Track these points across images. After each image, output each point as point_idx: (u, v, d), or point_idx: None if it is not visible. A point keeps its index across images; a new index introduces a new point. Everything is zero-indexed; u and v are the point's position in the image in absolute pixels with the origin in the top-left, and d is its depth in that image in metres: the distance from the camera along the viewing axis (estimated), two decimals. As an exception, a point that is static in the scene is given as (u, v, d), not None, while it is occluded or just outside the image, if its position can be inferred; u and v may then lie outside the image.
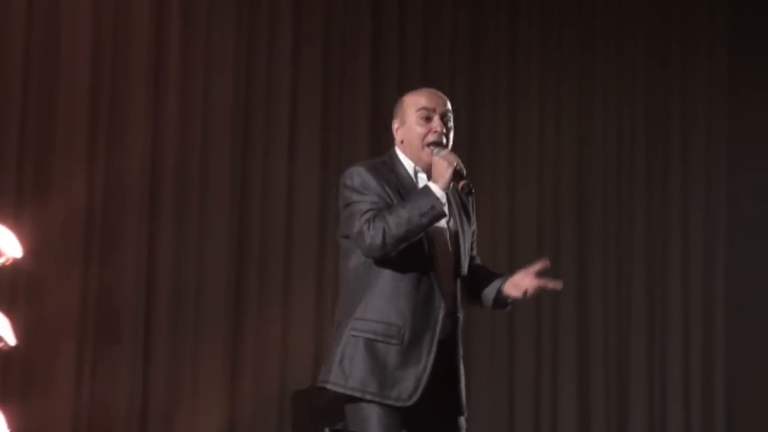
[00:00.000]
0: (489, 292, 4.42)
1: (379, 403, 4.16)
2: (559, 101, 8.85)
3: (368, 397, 4.15)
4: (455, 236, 4.34)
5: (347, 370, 4.17)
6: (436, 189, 4.16)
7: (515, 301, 4.40)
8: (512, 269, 4.42)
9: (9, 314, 6.18)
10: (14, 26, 7.07)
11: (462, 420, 4.34)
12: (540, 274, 4.31)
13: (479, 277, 4.45)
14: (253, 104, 7.81)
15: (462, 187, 4.21)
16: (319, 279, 7.86)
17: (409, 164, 4.35)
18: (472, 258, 4.48)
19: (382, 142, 8.09)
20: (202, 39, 7.64)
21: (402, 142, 4.37)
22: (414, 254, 4.19)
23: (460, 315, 4.34)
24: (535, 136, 8.76)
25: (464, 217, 4.41)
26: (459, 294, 4.34)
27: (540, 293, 4.35)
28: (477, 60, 8.56)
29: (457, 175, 4.18)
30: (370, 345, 4.17)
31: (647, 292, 8.94)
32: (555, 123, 8.83)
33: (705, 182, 9.16)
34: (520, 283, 4.33)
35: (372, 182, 4.24)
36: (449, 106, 4.37)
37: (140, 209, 7.33)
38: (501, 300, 4.41)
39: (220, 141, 7.64)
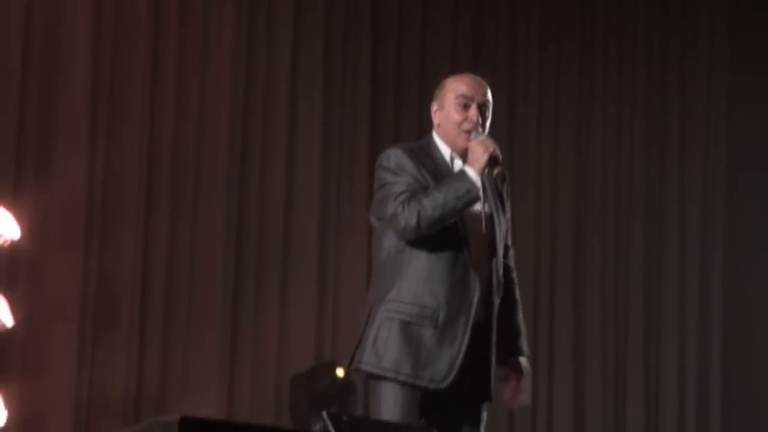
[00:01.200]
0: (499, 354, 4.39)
1: (411, 385, 4.15)
2: (557, 109, 8.84)
3: (401, 378, 4.14)
4: (490, 219, 4.32)
5: (381, 351, 4.16)
6: (472, 173, 4.16)
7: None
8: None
9: (7, 296, 6.18)
10: (14, 11, 7.06)
11: (485, 407, 4.32)
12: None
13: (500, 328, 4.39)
14: (252, 94, 7.81)
15: (496, 174, 4.22)
16: (319, 261, 7.86)
17: (445, 150, 4.34)
18: (506, 250, 4.45)
19: (381, 136, 8.14)
20: (200, 29, 7.65)
21: (439, 125, 4.37)
22: (448, 237, 4.19)
23: (496, 299, 4.31)
24: (533, 146, 8.76)
25: (499, 203, 4.41)
26: (495, 278, 4.31)
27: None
28: (476, 64, 8.55)
29: (492, 161, 4.18)
30: (404, 327, 4.17)
31: (645, 307, 8.92)
32: (553, 133, 8.82)
33: (702, 191, 9.14)
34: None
35: (408, 164, 4.24)
36: (489, 95, 4.36)
37: (138, 193, 7.33)
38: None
39: (218, 129, 7.65)
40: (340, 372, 7.38)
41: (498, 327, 4.34)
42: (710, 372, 8.99)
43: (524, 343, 4.45)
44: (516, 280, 4.52)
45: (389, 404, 4.16)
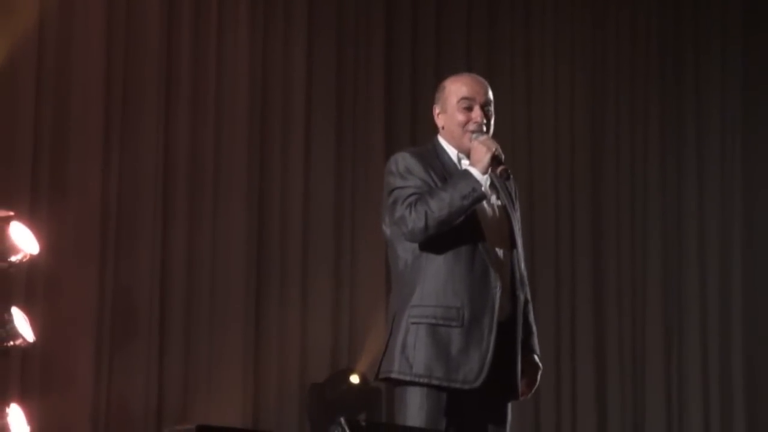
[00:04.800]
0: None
1: (439, 387, 4.14)
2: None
3: (435, 382, 4.15)
4: (504, 210, 4.34)
5: (411, 358, 4.16)
6: (476, 172, 4.16)
7: None
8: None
9: (26, 311, 6.19)
10: (28, 23, 7.08)
11: (509, 405, 4.32)
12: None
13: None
14: (268, 100, 7.83)
15: (500, 172, 4.22)
16: (334, 268, 7.85)
17: (452, 151, 4.36)
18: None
19: (396, 133, 8.14)
20: (215, 33, 7.65)
21: (443, 128, 4.38)
22: (464, 236, 4.20)
23: (520, 294, 4.32)
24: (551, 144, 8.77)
25: (509, 201, 4.41)
26: (517, 271, 4.31)
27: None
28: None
29: (495, 161, 4.19)
30: (431, 330, 4.17)
31: (664, 299, 8.92)
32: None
33: (720, 185, 9.15)
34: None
35: (416, 167, 4.25)
36: (490, 94, 4.36)
37: (155, 205, 7.34)
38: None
39: (234, 134, 7.66)
40: (355, 379, 7.42)
41: None
42: (732, 357, 8.99)
43: (536, 342, 4.47)
44: (526, 280, 4.50)
45: (414, 408, 4.17)
